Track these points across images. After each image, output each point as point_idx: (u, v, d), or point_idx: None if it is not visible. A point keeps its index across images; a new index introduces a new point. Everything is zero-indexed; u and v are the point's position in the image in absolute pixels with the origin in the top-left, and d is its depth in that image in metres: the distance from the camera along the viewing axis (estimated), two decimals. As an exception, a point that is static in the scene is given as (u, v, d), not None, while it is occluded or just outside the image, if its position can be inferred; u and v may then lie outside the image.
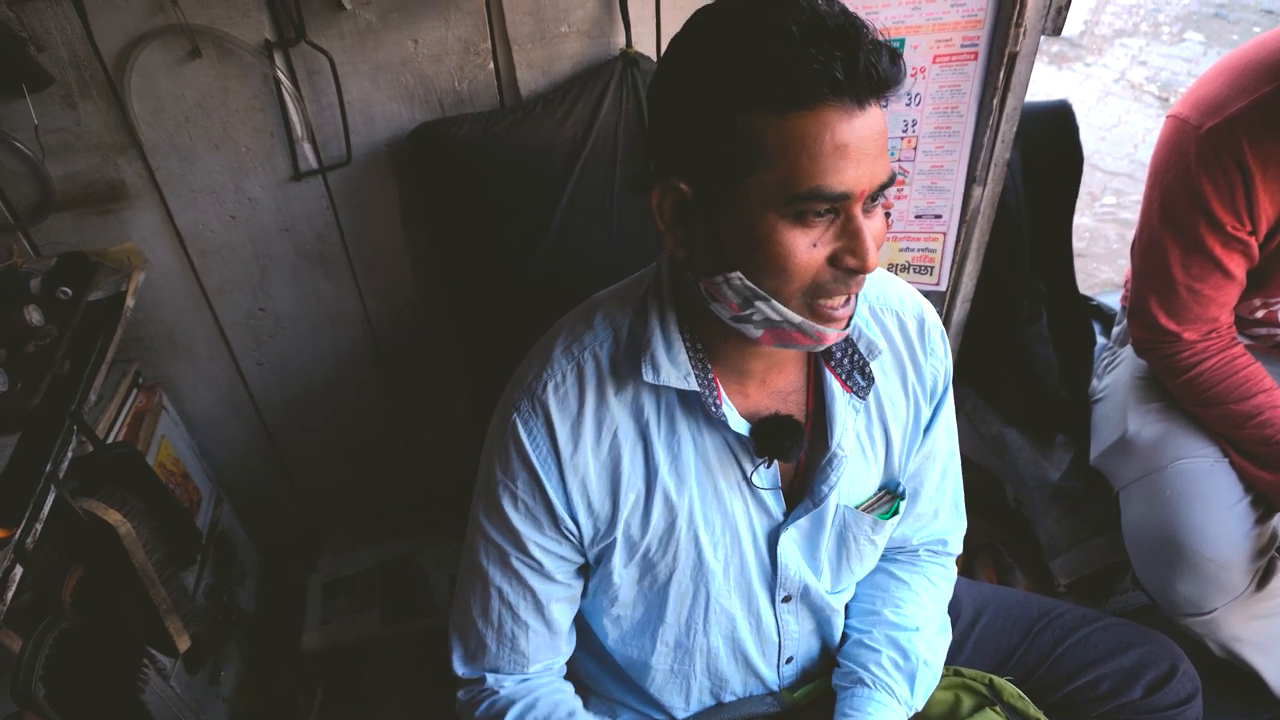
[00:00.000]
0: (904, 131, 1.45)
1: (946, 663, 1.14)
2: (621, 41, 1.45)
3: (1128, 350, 1.64)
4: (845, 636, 1.13)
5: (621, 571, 0.98)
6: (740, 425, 0.93)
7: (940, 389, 1.06)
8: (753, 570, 1.01)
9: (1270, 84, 1.26)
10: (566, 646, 1.06)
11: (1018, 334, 1.73)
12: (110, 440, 1.38)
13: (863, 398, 0.97)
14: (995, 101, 1.37)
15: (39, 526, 1.05)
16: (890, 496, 1.06)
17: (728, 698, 1.11)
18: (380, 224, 1.57)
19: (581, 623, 1.09)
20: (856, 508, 1.03)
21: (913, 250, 1.55)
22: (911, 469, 1.08)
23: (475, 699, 1.03)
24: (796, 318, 0.81)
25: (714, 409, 0.91)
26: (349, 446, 1.86)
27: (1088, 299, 1.97)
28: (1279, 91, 1.25)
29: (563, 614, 1.02)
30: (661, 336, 0.90)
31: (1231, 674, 1.50)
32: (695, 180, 0.80)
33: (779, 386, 0.97)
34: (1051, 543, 1.78)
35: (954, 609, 1.21)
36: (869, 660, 1.07)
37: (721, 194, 0.78)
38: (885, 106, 0.77)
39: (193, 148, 1.40)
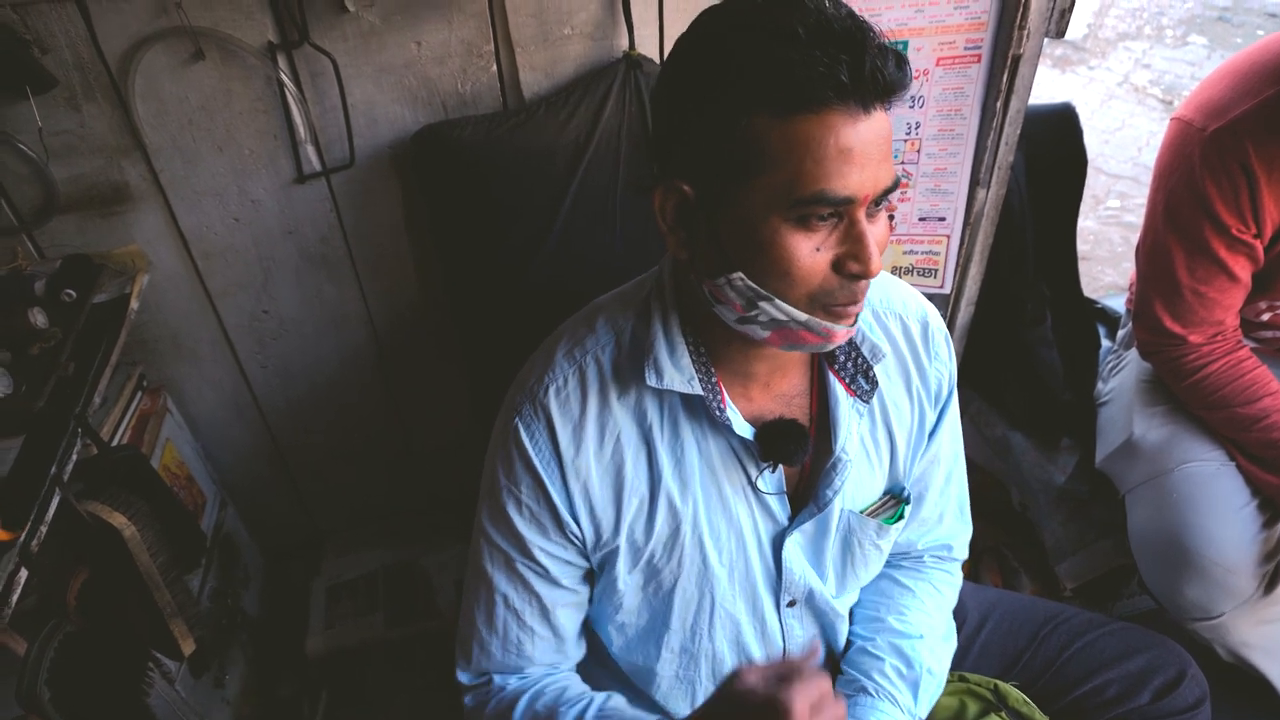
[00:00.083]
0: (907, 134, 1.45)
1: (951, 668, 1.14)
2: (624, 44, 1.45)
3: (1133, 353, 1.64)
4: (849, 643, 1.13)
5: (626, 578, 0.97)
6: (745, 429, 0.92)
7: (944, 393, 1.05)
8: (758, 575, 1.00)
9: (1274, 87, 1.26)
10: (575, 651, 1.05)
11: (1022, 337, 1.73)
12: (115, 443, 1.38)
13: (866, 401, 0.96)
14: (999, 104, 1.37)
15: (44, 529, 1.04)
16: (895, 501, 1.05)
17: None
18: (383, 226, 1.57)
19: (586, 630, 1.08)
20: (861, 512, 1.02)
21: (916, 253, 1.55)
22: (916, 473, 1.08)
23: (483, 699, 1.02)
24: (803, 316, 0.81)
25: (718, 413, 0.90)
26: (352, 449, 1.86)
27: (1092, 302, 1.96)
28: (1284, 94, 1.25)
29: (569, 620, 1.02)
30: (664, 340, 0.90)
31: (1240, 679, 1.49)
32: (698, 182, 0.80)
33: (783, 390, 0.96)
34: (1057, 546, 1.77)
35: (959, 614, 1.20)
36: (872, 668, 1.06)
37: (724, 196, 0.78)
38: (889, 110, 0.77)
39: (196, 150, 1.40)
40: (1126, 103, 4.48)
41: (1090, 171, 1.72)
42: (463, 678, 1.04)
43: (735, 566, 0.99)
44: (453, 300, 1.59)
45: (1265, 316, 1.50)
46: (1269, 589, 1.38)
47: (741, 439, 0.93)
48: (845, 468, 0.96)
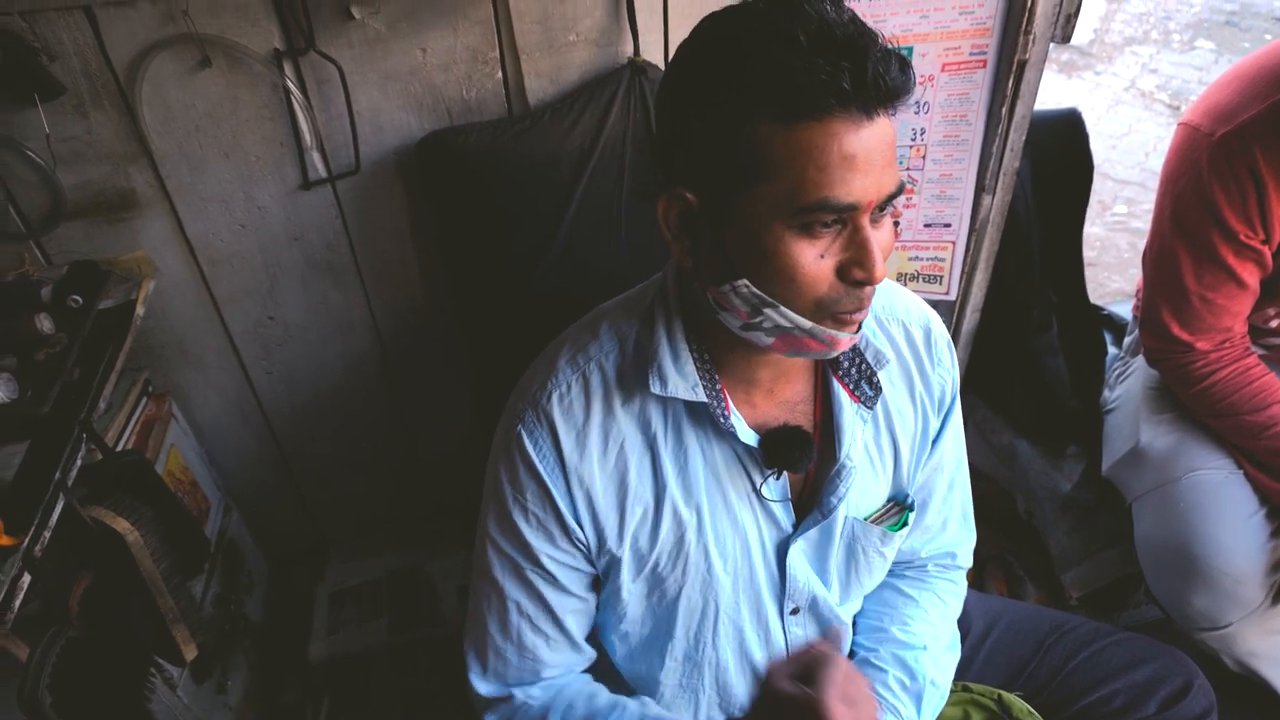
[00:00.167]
0: (912, 140, 1.44)
1: (956, 677, 1.13)
2: (629, 50, 1.45)
3: (1139, 360, 1.63)
4: (853, 653, 1.12)
5: (630, 587, 0.97)
6: (749, 436, 0.92)
7: (948, 399, 1.05)
8: (762, 582, 1.00)
9: (1283, 92, 1.25)
10: (590, 651, 1.05)
11: (1028, 344, 1.72)
12: (119, 448, 1.38)
13: (870, 407, 0.96)
14: (1004, 110, 1.36)
15: (47, 534, 1.05)
16: (899, 508, 1.05)
17: (736, 712, 1.10)
18: (388, 233, 1.57)
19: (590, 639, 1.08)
20: (865, 519, 1.02)
21: (922, 259, 1.54)
22: (920, 480, 1.07)
23: (508, 718, 1.02)
24: (807, 323, 0.81)
25: (722, 420, 0.90)
26: (357, 455, 1.86)
27: (1099, 308, 1.95)
28: (1292, 99, 1.24)
29: (578, 626, 1.01)
30: (668, 347, 0.90)
31: (1247, 689, 1.48)
32: (701, 189, 0.80)
33: (787, 396, 0.96)
34: (1063, 555, 1.76)
35: (964, 623, 1.20)
36: (875, 680, 1.06)
37: (727, 204, 0.78)
38: (893, 115, 0.77)
39: (203, 157, 1.40)
40: (1133, 108, 4.47)
41: (1097, 177, 1.72)
42: (481, 687, 1.02)
43: (740, 574, 0.98)
44: (457, 307, 1.59)
45: (1274, 323, 1.49)
46: (1277, 599, 1.37)
47: (746, 446, 0.93)
48: (849, 474, 0.96)
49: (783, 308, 0.80)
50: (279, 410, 1.75)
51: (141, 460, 1.31)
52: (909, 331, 1.02)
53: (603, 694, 1.02)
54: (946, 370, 1.04)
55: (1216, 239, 1.33)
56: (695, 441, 0.93)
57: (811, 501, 0.99)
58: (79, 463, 1.15)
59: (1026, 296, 1.69)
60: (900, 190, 0.79)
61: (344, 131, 1.43)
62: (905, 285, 1.56)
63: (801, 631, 1.05)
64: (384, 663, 1.71)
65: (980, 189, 1.45)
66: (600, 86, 1.43)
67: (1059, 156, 1.65)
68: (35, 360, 1.21)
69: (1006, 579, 1.90)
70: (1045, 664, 1.18)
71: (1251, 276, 1.36)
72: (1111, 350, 1.84)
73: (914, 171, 1.47)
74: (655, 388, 0.89)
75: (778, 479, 0.96)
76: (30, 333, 1.22)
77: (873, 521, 1.02)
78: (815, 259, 0.77)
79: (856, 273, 0.78)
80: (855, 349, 0.95)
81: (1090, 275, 1.93)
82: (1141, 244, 1.54)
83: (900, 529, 1.03)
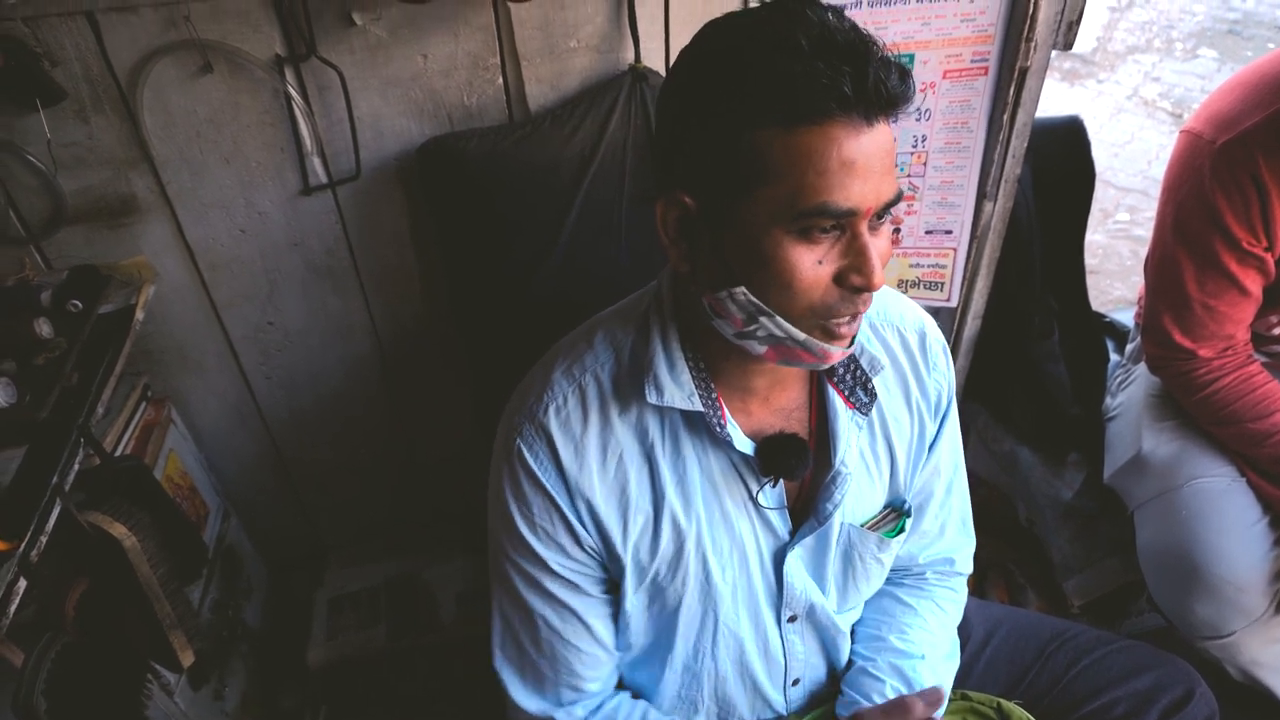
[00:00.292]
0: (914, 147, 1.44)
1: (955, 685, 1.12)
2: (630, 56, 1.45)
3: (1141, 368, 1.63)
4: (851, 662, 1.11)
5: (632, 598, 0.97)
6: (745, 445, 0.92)
7: (944, 403, 1.05)
8: (760, 590, 0.99)
9: (1285, 99, 1.25)
10: (619, 654, 1.05)
11: (1029, 351, 1.72)
12: (118, 453, 1.38)
13: (865, 414, 0.96)
14: (1006, 117, 1.36)
15: (44, 539, 1.04)
16: (896, 514, 1.04)
17: (736, 723, 1.10)
18: (389, 238, 1.57)
19: None
20: (862, 526, 1.01)
21: (923, 266, 1.54)
22: (917, 486, 1.07)
23: None
24: (801, 335, 0.81)
25: (719, 429, 0.90)
26: (356, 461, 1.86)
27: (1100, 316, 1.95)
28: (1293, 106, 1.24)
29: (607, 631, 1.01)
30: (664, 356, 0.90)
31: (1250, 698, 1.47)
32: (700, 194, 0.80)
33: (782, 404, 0.96)
34: (1064, 563, 1.76)
35: (964, 630, 1.19)
36: (872, 690, 1.05)
37: (726, 208, 0.78)
38: (895, 122, 0.77)
39: (203, 162, 1.41)
40: (1136, 116, 4.47)
41: (1099, 185, 1.72)
42: (524, 702, 1.01)
43: (738, 583, 0.98)
44: (458, 313, 1.59)
45: (1277, 330, 1.49)
46: (1281, 607, 1.37)
47: (742, 454, 0.92)
48: (845, 481, 0.95)
49: (778, 318, 0.80)
50: (278, 415, 1.75)
51: (140, 465, 1.30)
52: (904, 337, 1.02)
53: (652, 716, 1.01)
54: (942, 375, 1.04)
55: (1219, 246, 1.33)
56: (692, 450, 0.93)
57: (808, 508, 0.98)
58: (77, 467, 1.15)
59: (1028, 303, 1.69)
60: (899, 198, 0.79)
61: (345, 137, 1.43)
62: (906, 292, 1.56)
63: (799, 640, 1.05)
64: (382, 669, 1.71)
65: (982, 196, 1.45)
66: (601, 93, 1.43)
67: (1061, 164, 1.65)
68: (34, 365, 1.21)
69: (1008, 587, 1.90)
70: (1046, 672, 1.17)
71: (1254, 283, 1.36)
72: (1113, 357, 1.84)
73: (915, 178, 1.47)
74: (651, 397, 0.89)
75: (774, 487, 0.95)
76: (29, 337, 1.22)
77: (869, 528, 1.02)
78: (813, 265, 0.77)
79: (855, 279, 0.78)
80: (850, 355, 0.94)
81: (1092, 282, 1.93)
82: (1143, 251, 1.54)
83: (897, 535, 1.03)
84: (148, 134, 1.35)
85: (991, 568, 1.92)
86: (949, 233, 1.49)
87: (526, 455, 0.91)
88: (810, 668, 1.09)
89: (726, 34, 0.78)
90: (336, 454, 1.84)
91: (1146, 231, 3.50)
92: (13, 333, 1.22)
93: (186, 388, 1.65)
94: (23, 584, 0.99)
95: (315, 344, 1.67)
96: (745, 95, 0.73)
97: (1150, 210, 3.60)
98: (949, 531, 1.14)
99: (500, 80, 1.45)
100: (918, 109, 1.41)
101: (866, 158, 0.74)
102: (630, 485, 0.92)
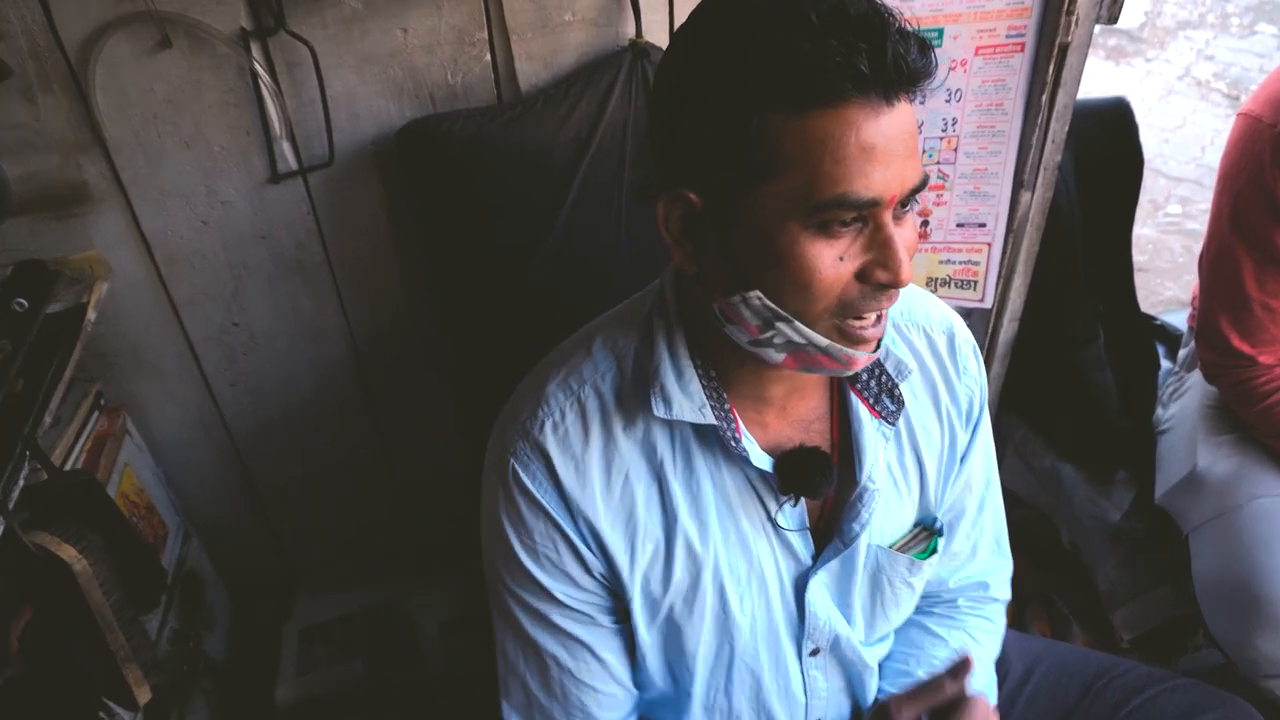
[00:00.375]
0: (943, 131, 1.44)
1: (992, 726, 1.12)
2: (631, 31, 1.45)
3: (1196, 376, 1.62)
4: (877, 700, 1.10)
5: (644, 635, 0.96)
6: (763, 460, 0.91)
7: (976, 411, 1.04)
8: (780, 621, 0.99)
9: (1353, 78, 1.25)
10: (634, 690, 1.04)
11: (1072, 357, 1.72)
12: (67, 467, 1.38)
13: (892, 423, 0.95)
14: (1044, 98, 1.36)
15: (-17, 562, 1.04)
16: (927, 533, 1.04)
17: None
18: (365, 230, 1.58)
19: None
20: (890, 547, 1.01)
21: (954, 263, 1.54)
22: (948, 502, 1.06)
23: None
24: (822, 340, 0.80)
25: (733, 444, 0.89)
26: (330, 476, 1.86)
27: (1150, 318, 1.95)
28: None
29: (623, 667, 1.00)
30: (671, 364, 0.89)
31: (1318, 742, 1.46)
32: (706, 189, 0.79)
33: (801, 414, 0.95)
34: (1112, 592, 1.75)
35: (1002, 665, 1.19)
36: None
37: (734, 204, 0.77)
38: (923, 103, 0.76)
39: (161, 146, 1.41)
40: (1188, 98, 4.48)
41: (1147, 173, 1.72)
42: None
43: (757, 613, 0.97)
44: (441, 312, 1.60)
45: (1345, 334, 1.48)
46: (1352, 641, 1.36)
47: (759, 471, 0.92)
48: (872, 498, 0.95)
49: (797, 324, 0.79)
50: (244, 426, 1.75)
51: (91, 481, 1.30)
52: (931, 338, 1.01)
53: None
54: (973, 379, 1.03)
55: (1280, 240, 1.33)
56: (705, 467, 0.92)
57: (831, 529, 0.98)
58: (21, 483, 1.15)
59: (1070, 304, 1.69)
60: (925, 183, 0.78)
61: (317, 119, 1.43)
62: (936, 291, 1.55)
63: (821, 676, 1.04)
64: (359, 707, 1.71)
65: (1018, 185, 1.45)
66: (599, 71, 1.43)
67: (1105, 150, 1.65)
68: (-26, 370, 1.21)
69: (1050, 618, 1.89)
70: (1092, 712, 1.16)
71: (1319, 282, 1.36)
72: (1165, 364, 1.84)
73: (945, 166, 1.47)
74: (659, 411, 0.88)
75: (794, 506, 0.95)
76: (-31, 339, 1.22)
77: (898, 549, 1.01)
78: (834, 262, 0.76)
79: (880, 275, 0.77)
80: (875, 360, 0.94)
81: (1141, 281, 1.93)
82: (1197, 247, 1.53)
83: (929, 556, 1.02)
84: (100, 115, 1.35)
85: (1032, 597, 1.91)
86: (982, 226, 1.49)
87: (523, 476, 0.90)
88: (834, 706, 1.08)
89: (730, 8, 0.77)
90: (308, 469, 1.84)
91: (1200, 225, 3.50)
92: (-49, 334, 1.22)
93: (143, 395, 1.65)
94: (-41, 612, 0.99)
95: (284, 347, 1.67)
96: (750, 77, 0.72)
97: (1204, 202, 3.61)
98: (981, 552, 1.13)
99: (488, 57, 1.46)
100: (948, 90, 1.40)
101: (888, 141, 0.73)
102: (638, 508, 0.91)
